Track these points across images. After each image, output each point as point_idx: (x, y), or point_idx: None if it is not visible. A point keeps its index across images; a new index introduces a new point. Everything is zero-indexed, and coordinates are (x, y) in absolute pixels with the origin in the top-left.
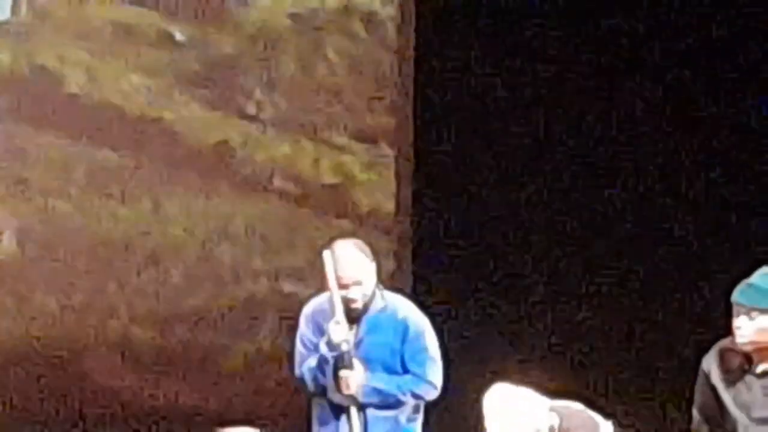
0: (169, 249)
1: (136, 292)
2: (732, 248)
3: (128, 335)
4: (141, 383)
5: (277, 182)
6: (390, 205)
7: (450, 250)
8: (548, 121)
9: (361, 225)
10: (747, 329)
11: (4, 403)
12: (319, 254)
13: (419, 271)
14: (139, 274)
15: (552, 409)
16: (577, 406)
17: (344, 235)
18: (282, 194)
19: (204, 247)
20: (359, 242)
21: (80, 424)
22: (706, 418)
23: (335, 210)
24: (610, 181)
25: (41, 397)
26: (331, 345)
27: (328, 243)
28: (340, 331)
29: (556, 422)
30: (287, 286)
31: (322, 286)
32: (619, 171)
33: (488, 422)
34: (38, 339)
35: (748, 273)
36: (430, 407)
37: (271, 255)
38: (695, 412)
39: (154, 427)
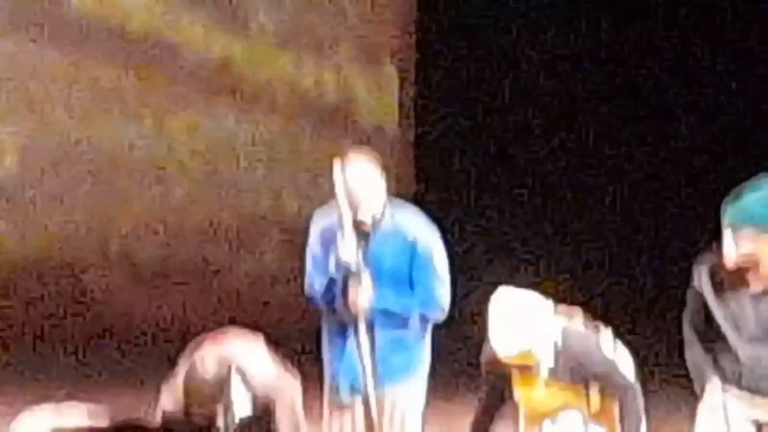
0: (173, 167)
1: (139, 209)
2: (733, 159)
3: (130, 253)
4: (143, 300)
5: (281, 100)
6: (393, 124)
7: (453, 167)
8: (560, 32)
9: (364, 143)
10: (734, 249)
11: (5, 319)
12: (322, 173)
13: (421, 190)
14: (142, 191)
15: (556, 322)
16: (577, 314)
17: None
18: (285, 112)
19: (207, 165)
20: (371, 157)
21: (81, 339)
22: (698, 334)
23: (338, 128)
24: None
25: (43, 313)
26: (339, 264)
27: (331, 160)
28: (349, 251)
29: (559, 340)
30: (290, 203)
31: (326, 203)
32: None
33: (493, 326)
34: (40, 256)
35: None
36: (439, 326)
37: (274, 172)
38: (687, 328)
39: (156, 344)
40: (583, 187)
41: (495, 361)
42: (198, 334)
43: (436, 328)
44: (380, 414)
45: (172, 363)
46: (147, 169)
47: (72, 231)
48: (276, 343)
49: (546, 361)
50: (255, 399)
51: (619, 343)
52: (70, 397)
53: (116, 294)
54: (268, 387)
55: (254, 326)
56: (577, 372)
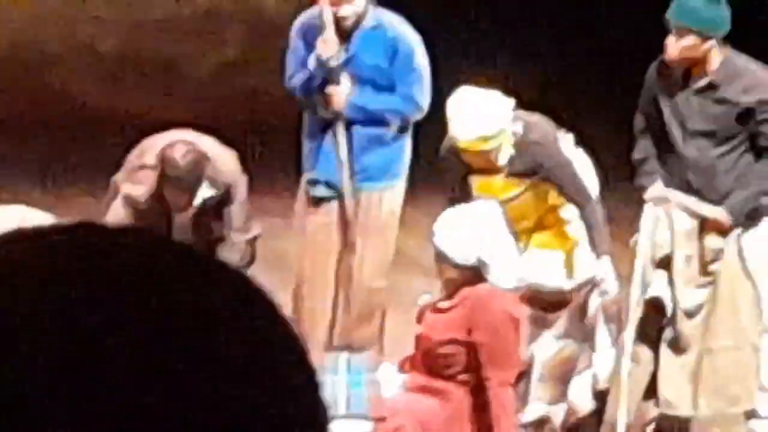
0: None
1: (100, 1)
2: None
3: (94, 44)
4: (106, 90)
5: None
6: None
7: None
8: None
9: None
10: (674, 48)
11: None
12: None
13: None
14: None
15: (517, 117)
16: (541, 117)
17: None
18: None
19: None
20: None
21: (45, 129)
22: (648, 127)
23: None
24: None
25: (7, 100)
26: (319, 61)
27: None
28: (329, 48)
29: (519, 129)
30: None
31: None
32: None
33: (452, 114)
34: (4, 46)
35: None
36: (418, 126)
37: None
38: (638, 119)
39: (119, 134)
40: None
41: (454, 151)
42: (162, 125)
43: (419, 134)
44: (356, 213)
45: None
46: None
47: (36, 24)
48: (234, 137)
49: (505, 150)
50: (219, 183)
51: (581, 151)
52: (34, 187)
53: (81, 84)
54: (230, 174)
55: (216, 118)
56: (536, 170)
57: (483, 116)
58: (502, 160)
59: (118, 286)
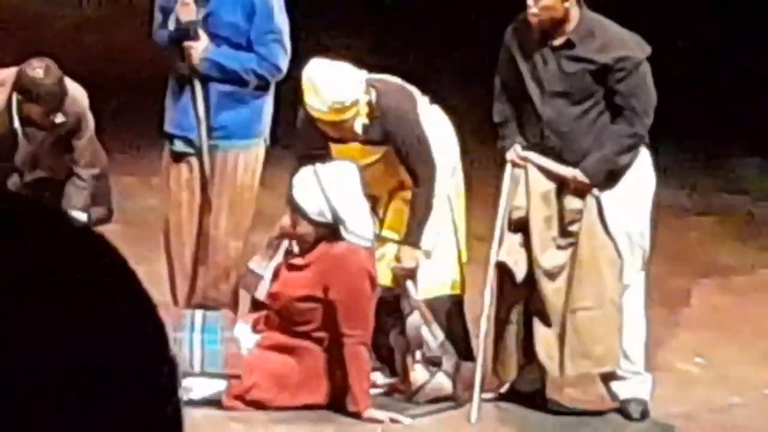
0: None
1: None
2: None
3: None
4: None
5: None
6: None
7: None
8: None
9: None
10: (535, 7)
11: None
12: None
13: None
14: None
15: (369, 83)
16: (394, 80)
17: None
18: None
19: None
20: None
21: None
22: (506, 88)
23: None
24: None
25: None
26: (179, 22)
27: None
28: (189, 12)
29: (373, 96)
30: None
31: None
32: None
33: (307, 97)
34: None
35: None
36: (279, 87)
37: None
38: (497, 82)
39: None
40: None
41: (310, 119)
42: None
43: (280, 95)
44: (213, 170)
45: None
46: None
47: None
48: (96, 94)
49: (359, 120)
50: (70, 113)
51: (437, 111)
52: None
53: None
54: (81, 105)
55: (77, 74)
56: (390, 137)
57: (336, 88)
58: (357, 129)
59: None
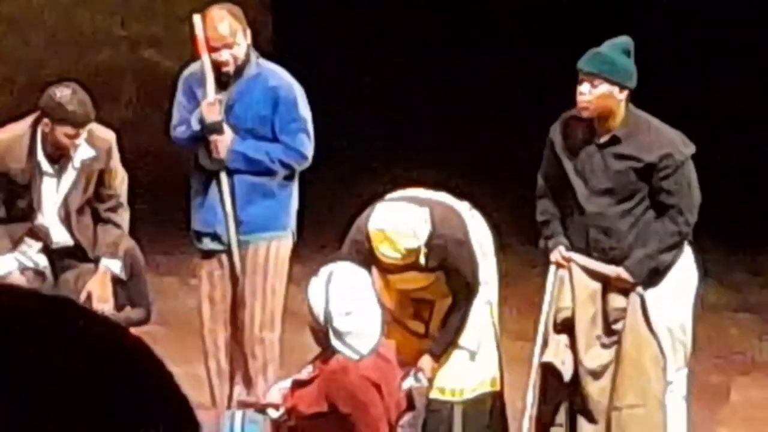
0: (30, 14)
1: None
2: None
3: None
4: None
5: None
6: None
7: (313, 16)
8: None
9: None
10: (588, 96)
11: None
12: (180, 22)
13: (279, 41)
14: None
15: (424, 217)
16: (443, 199)
17: (205, 4)
18: None
19: (65, 13)
20: (232, 6)
21: None
22: (550, 186)
23: None
24: None
25: None
26: (203, 123)
27: (189, 11)
28: (213, 112)
29: (429, 230)
30: (147, 54)
31: (182, 54)
32: None
33: (379, 247)
34: None
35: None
36: (304, 174)
37: (131, 21)
38: (540, 179)
39: None
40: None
41: (361, 252)
42: None
43: (305, 181)
44: (243, 264)
45: None
46: (4, 17)
47: None
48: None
49: (422, 256)
50: (97, 147)
51: (477, 217)
52: None
53: None
54: (109, 140)
55: None
56: (447, 264)
57: (408, 235)
58: (420, 262)
59: None
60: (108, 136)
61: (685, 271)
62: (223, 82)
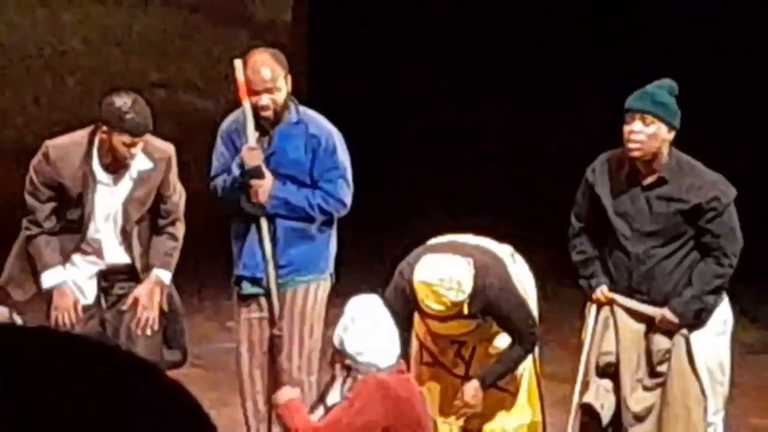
0: (65, 58)
1: (30, 100)
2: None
3: (23, 143)
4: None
5: None
6: (287, 16)
7: (347, 60)
8: None
9: (257, 36)
10: (640, 135)
11: None
12: (215, 66)
13: (315, 85)
14: (34, 82)
15: (468, 268)
16: (483, 244)
17: (240, 46)
18: (178, 3)
19: (100, 57)
20: (275, 51)
21: None
22: (585, 227)
23: (232, 20)
24: None
25: None
26: (243, 168)
27: (225, 53)
28: (254, 157)
29: (471, 278)
30: (183, 97)
31: (218, 96)
32: None
33: (426, 300)
34: None
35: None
36: (343, 221)
37: (167, 65)
38: (574, 219)
39: None
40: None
41: (405, 299)
42: None
43: (343, 226)
44: (282, 308)
45: None
46: (39, 60)
47: None
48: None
49: (466, 305)
50: (154, 158)
51: (519, 261)
52: None
53: (9, 185)
54: (166, 151)
55: None
56: (492, 310)
57: (454, 289)
58: (464, 310)
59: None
60: (167, 147)
61: (721, 311)
62: (263, 127)
